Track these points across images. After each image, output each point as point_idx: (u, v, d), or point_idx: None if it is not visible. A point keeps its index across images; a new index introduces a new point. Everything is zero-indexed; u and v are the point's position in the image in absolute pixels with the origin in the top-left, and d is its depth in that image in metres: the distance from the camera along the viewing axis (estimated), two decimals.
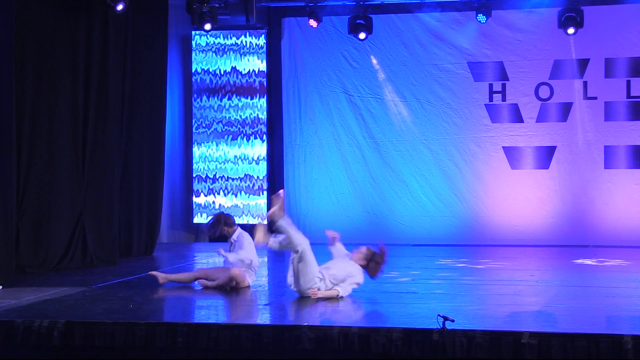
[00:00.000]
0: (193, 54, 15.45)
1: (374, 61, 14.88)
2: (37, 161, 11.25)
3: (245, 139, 15.33)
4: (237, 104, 15.34)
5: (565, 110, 14.40)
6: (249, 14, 14.62)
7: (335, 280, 9.01)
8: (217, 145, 15.39)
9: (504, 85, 14.60)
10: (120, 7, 11.72)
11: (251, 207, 15.25)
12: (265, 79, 15.32)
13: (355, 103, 15.08)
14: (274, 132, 15.53)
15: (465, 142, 14.74)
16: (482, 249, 13.90)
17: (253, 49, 15.29)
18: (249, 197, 15.28)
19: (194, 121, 15.48)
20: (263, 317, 8.44)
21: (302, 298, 9.00)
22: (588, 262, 12.07)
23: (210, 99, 15.41)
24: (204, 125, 15.43)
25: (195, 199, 15.46)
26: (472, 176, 14.71)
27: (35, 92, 11.21)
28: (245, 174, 15.31)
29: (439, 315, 7.29)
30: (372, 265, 9.10)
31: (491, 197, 14.64)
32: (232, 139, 15.36)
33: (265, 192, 15.24)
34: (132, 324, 7.76)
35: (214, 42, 15.37)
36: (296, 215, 15.25)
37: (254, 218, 15.24)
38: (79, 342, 7.75)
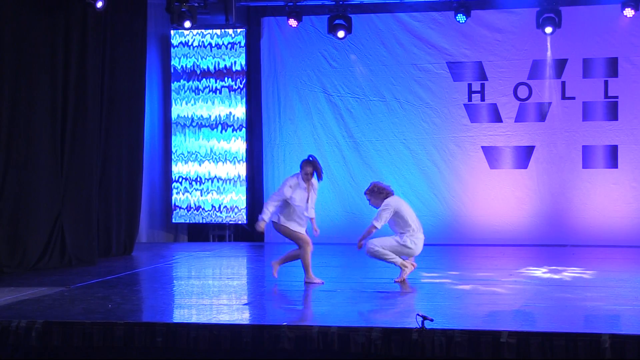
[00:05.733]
0: (172, 53, 15.41)
1: (353, 57, 14.84)
2: (15, 160, 11.17)
3: (224, 138, 15.29)
4: (216, 103, 15.30)
5: (544, 110, 14.45)
6: (228, 13, 14.61)
7: None
8: (196, 143, 15.35)
9: (482, 85, 14.64)
10: (100, 4, 11.69)
11: (229, 206, 15.22)
12: (244, 78, 15.30)
13: (334, 103, 15.08)
14: (253, 131, 15.52)
15: (445, 141, 14.77)
16: (461, 248, 13.94)
17: (233, 48, 15.27)
18: (227, 196, 15.24)
19: (173, 119, 15.43)
20: (242, 317, 8.43)
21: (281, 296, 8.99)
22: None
23: (190, 97, 15.36)
24: (183, 123, 15.38)
25: (174, 198, 15.41)
26: (451, 176, 14.74)
27: (14, 91, 11.14)
28: (224, 173, 15.27)
29: (418, 314, 7.30)
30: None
31: (470, 197, 14.68)
32: (211, 138, 15.31)
33: (244, 191, 15.22)
34: (111, 324, 7.73)
35: (193, 41, 15.32)
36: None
37: (231, 212, 15.23)
38: (57, 342, 7.72)
